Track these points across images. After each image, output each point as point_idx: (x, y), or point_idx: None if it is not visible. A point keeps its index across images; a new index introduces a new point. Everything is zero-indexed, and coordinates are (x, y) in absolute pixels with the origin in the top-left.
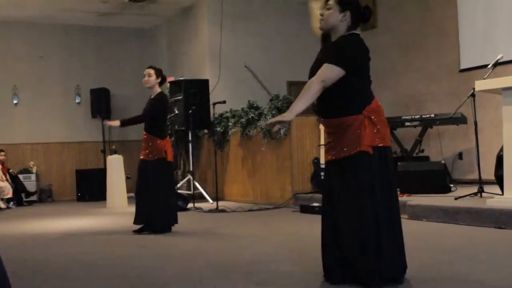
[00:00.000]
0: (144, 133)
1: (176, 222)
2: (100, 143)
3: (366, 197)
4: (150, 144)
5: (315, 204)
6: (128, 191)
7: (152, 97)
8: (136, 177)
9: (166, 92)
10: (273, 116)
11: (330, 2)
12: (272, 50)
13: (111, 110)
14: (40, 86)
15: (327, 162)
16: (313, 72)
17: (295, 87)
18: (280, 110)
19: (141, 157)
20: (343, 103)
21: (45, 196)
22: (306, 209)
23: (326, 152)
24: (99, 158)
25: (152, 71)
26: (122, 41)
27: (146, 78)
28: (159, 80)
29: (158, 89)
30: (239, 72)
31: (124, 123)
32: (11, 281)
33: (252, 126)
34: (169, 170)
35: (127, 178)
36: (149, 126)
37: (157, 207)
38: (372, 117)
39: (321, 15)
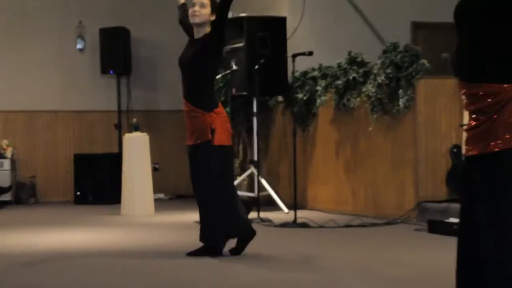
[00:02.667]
0: (186, 102)
1: (237, 236)
2: (113, 114)
3: None
4: (195, 120)
5: (452, 220)
6: (156, 190)
7: (196, 37)
8: (190, 170)
9: None
10: (387, 76)
11: None
12: None
13: (132, 61)
14: (20, 22)
15: (467, 158)
16: None
17: (424, 32)
18: (400, 68)
19: (188, 142)
20: (506, 58)
21: (24, 194)
22: (437, 227)
23: (467, 141)
24: (111, 137)
25: (207, 0)
26: None
27: (196, 9)
28: (213, 16)
29: (207, 29)
30: (335, 7)
31: None
32: None
33: (353, 93)
34: (221, 160)
35: (155, 169)
36: (194, 89)
37: (208, 216)
38: None
39: None
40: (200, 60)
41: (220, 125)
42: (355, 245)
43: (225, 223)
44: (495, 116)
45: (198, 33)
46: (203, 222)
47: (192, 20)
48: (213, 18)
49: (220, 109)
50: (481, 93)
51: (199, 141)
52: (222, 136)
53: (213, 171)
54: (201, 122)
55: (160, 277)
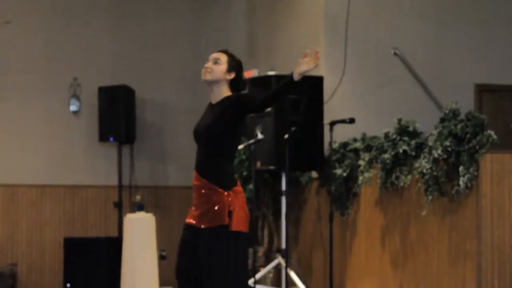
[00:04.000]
0: (198, 176)
1: None
2: (113, 190)
3: None
4: (208, 198)
5: None
6: (163, 283)
7: (213, 102)
8: (178, 257)
9: None
10: (445, 150)
11: None
12: (445, 28)
13: (136, 127)
14: (4, 77)
15: None
16: None
17: (490, 96)
18: (461, 140)
19: (188, 221)
20: None
21: (3, 286)
22: None
23: None
24: (110, 218)
25: (223, 57)
26: (161, 1)
27: (208, 65)
28: (231, 75)
29: (226, 92)
30: (381, 65)
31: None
32: None
33: (403, 169)
34: (238, 250)
35: (162, 257)
36: (211, 163)
37: None
38: None
39: None
40: (218, 129)
41: (239, 207)
42: None
43: None
44: None
45: (215, 96)
46: None
47: (202, 77)
48: (229, 77)
49: (239, 188)
50: None
51: (212, 224)
52: (240, 221)
53: (230, 262)
54: (217, 202)
55: None
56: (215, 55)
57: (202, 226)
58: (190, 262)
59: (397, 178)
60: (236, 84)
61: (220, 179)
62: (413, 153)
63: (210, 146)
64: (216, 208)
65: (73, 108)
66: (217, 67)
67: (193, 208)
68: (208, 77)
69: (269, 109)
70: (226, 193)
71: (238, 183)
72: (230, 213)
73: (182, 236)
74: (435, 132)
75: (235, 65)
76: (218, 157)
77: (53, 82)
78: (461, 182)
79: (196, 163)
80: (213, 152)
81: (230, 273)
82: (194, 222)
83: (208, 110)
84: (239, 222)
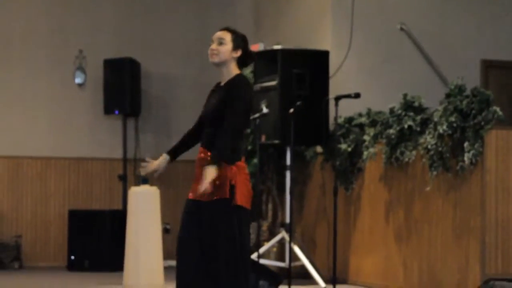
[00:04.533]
0: (203, 149)
1: None
2: (118, 163)
3: None
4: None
5: None
6: (167, 256)
7: (222, 83)
8: (180, 230)
9: (247, 72)
10: (450, 126)
11: None
12: (452, 3)
13: (141, 100)
14: (3, 51)
15: None
16: None
17: (496, 72)
18: (466, 116)
19: (190, 196)
20: None
21: (7, 257)
22: None
23: None
24: (114, 191)
25: (227, 35)
26: None
27: (214, 47)
28: (238, 53)
29: (234, 70)
30: (388, 40)
31: (177, 151)
32: None
33: (408, 144)
34: (240, 223)
35: (166, 231)
36: (217, 139)
37: None
38: None
39: None
40: (222, 113)
41: (241, 183)
42: None
43: None
44: None
45: (224, 76)
46: None
47: (210, 60)
48: (236, 55)
49: (243, 164)
50: None
51: (213, 197)
52: (242, 196)
53: (235, 235)
54: (219, 175)
55: None
56: (218, 34)
57: (204, 200)
58: (192, 234)
59: (402, 153)
60: (244, 59)
61: (224, 151)
62: (418, 129)
63: (215, 126)
64: (217, 182)
65: (78, 80)
66: (223, 48)
67: (195, 183)
68: (216, 59)
69: (274, 82)
70: (228, 166)
71: (243, 159)
72: (232, 187)
73: (184, 209)
74: (440, 107)
75: (240, 42)
76: (224, 135)
77: (58, 54)
78: (465, 158)
79: (202, 139)
80: (219, 132)
81: (236, 248)
82: (195, 196)
83: (215, 91)
84: (242, 197)
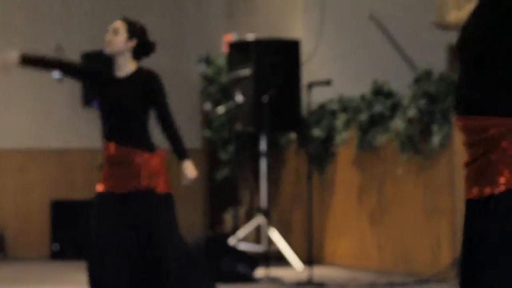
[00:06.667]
0: (117, 146)
1: None
2: (97, 153)
3: None
4: (135, 161)
5: None
6: None
7: (121, 74)
8: (94, 225)
9: (221, 61)
10: (419, 110)
11: None
12: None
13: None
14: None
15: (467, 202)
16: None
17: None
18: (434, 100)
19: (104, 189)
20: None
21: None
22: None
23: (466, 180)
24: (95, 181)
25: (122, 25)
26: None
27: (108, 37)
28: (132, 42)
29: (131, 60)
30: (358, 28)
31: (32, 62)
32: None
33: (379, 129)
34: (171, 211)
35: None
36: (132, 130)
37: None
38: None
39: None
40: (136, 105)
41: (164, 168)
42: None
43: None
44: (486, 152)
45: (121, 67)
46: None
47: (106, 51)
48: (131, 44)
49: (160, 152)
50: (472, 126)
51: (152, 185)
52: (169, 182)
53: (176, 225)
54: (150, 164)
55: None
56: (114, 25)
57: (124, 191)
58: (115, 232)
59: (373, 138)
60: (140, 49)
61: (144, 142)
62: (389, 114)
63: (127, 120)
64: (149, 170)
65: (56, 75)
66: (117, 38)
67: (106, 177)
68: (109, 49)
69: (248, 71)
70: (154, 155)
71: (161, 149)
72: (152, 175)
73: (97, 205)
74: (409, 92)
75: (135, 31)
76: (139, 124)
77: (35, 47)
78: (435, 141)
79: (106, 134)
80: (131, 122)
81: (180, 237)
82: (111, 189)
83: (115, 82)
84: (169, 184)
